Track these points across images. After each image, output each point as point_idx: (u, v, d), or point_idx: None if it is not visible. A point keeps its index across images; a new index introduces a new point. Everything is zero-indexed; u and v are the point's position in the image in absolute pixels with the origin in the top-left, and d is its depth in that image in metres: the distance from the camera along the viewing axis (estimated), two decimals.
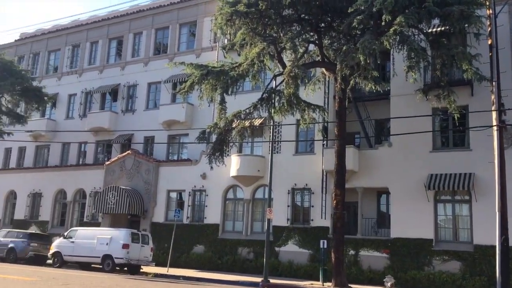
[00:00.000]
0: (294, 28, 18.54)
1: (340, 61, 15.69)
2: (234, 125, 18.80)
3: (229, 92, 18.83)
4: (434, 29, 18.21)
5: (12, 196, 33.53)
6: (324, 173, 22.71)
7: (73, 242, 22.07)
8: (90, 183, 29.67)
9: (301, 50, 18.70)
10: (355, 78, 17.66)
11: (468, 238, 19.99)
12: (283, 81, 18.03)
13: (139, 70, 31.37)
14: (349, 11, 15.46)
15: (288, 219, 23.39)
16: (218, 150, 19.10)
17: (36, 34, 37.65)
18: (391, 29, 14.63)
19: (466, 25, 15.30)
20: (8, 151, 35.74)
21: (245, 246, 23.99)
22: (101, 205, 27.13)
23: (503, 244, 14.42)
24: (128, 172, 28.01)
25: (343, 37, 18.23)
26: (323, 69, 19.79)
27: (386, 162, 21.62)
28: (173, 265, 23.01)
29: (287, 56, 18.83)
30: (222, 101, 18.93)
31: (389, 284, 17.12)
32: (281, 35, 18.21)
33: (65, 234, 23.03)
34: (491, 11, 16.03)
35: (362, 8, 15.21)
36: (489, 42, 16.02)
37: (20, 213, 32.30)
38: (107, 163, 29.05)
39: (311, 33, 18.73)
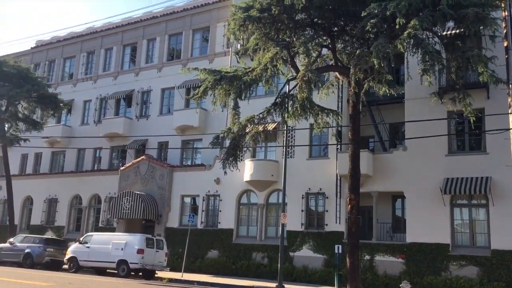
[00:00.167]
0: (307, 32, 18.52)
1: (353, 65, 15.62)
2: (247, 130, 18.79)
3: (243, 97, 18.85)
4: (449, 32, 18.07)
5: (28, 202, 33.93)
6: (338, 178, 22.58)
7: (88, 247, 22.22)
8: (105, 189, 29.90)
9: (314, 55, 18.67)
10: (369, 82, 17.60)
11: (485, 243, 19.70)
12: (296, 85, 18.00)
13: (153, 76, 31.62)
14: (362, 15, 15.38)
15: (302, 224, 23.29)
16: (232, 155, 19.10)
17: (51, 41, 38.20)
18: (405, 33, 14.53)
19: (481, 27, 15.12)
20: (24, 157, 36.23)
21: (259, 251, 23.93)
22: (116, 210, 27.31)
23: None
24: (142, 177, 28.17)
25: (356, 41, 18.17)
26: (337, 73, 19.72)
27: (401, 166, 21.43)
28: (188, 270, 23.03)
29: (300, 61, 18.80)
30: (236, 106, 18.96)
31: None
32: (294, 39, 18.21)
33: (81, 239, 23.21)
34: (506, 13, 15.86)
35: (376, 11, 15.13)
36: (505, 44, 15.86)
37: (37, 218, 32.67)
38: (121, 168, 29.26)
39: (324, 37, 18.69)
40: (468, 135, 21.10)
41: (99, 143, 31.82)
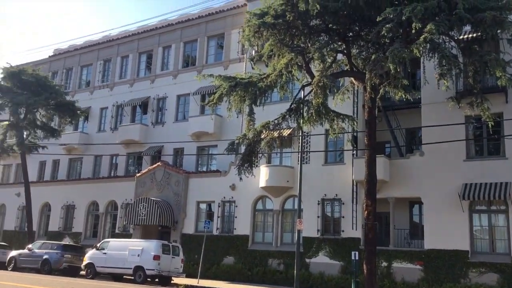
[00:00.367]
0: (322, 38, 18.48)
1: (369, 70, 15.54)
2: (262, 136, 18.81)
3: (258, 103, 18.89)
4: (466, 36, 17.89)
5: (46, 208, 34.33)
6: (355, 183, 22.42)
7: (105, 253, 22.38)
8: (122, 195, 30.12)
9: (329, 60, 18.61)
10: (384, 86, 17.51)
11: (505, 250, 19.35)
12: (311, 91, 17.95)
13: (168, 83, 31.86)
14: (377, 20, 15.32)
15: (318, 230, 23.16)
16: (247, 161, 19.12)
17: (69, 50, 38.78)
18: (421, 37, 14.42)
19: (499, 31, 14.96)
20: (42, 164, 36.73)
21: (275, 257, 23.84)
22: (132, 217, 27.48)
23: None
24: (158, 183, 28.31)
25: (371, 46, 18.07)
26: (352, 79, 19.64)
27: (418, 171, 21.20)
28: (204, 276, 23.04)
29: (315, 66, 18.76)
30: (251, 112, 18.97)
31: None
32: (309, 45, 18.19)
33: (98, 245, 23.39)
34: None
35: (391, 16, 15.05)
36: None
37: (54, 224, 33.02)
38: (137, 175, 29.46)
39: (339, 43, 18.63)
40: (486, 140, 20.81)
41: (115, 150, 32.11)
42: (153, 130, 31.65)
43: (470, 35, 17.61)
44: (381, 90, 17.29)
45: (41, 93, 30.32)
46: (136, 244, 22.27)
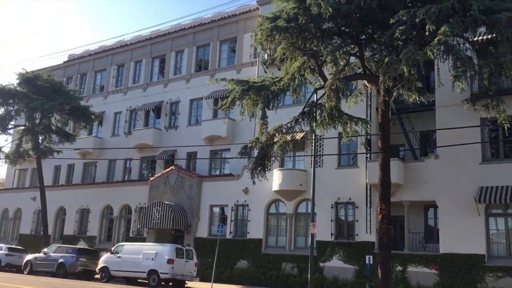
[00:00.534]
0: (334, 41, 18.41)
1: (382, 73, 15.43)
2: (275, 140, 18.77)
3: (270, 107, 18.84)
4: (481, 37, 17.70)
5: (61, 212, 34.66)
6: (368, 187, 22.27)
7: (119, 257, 22.51)
8: (135, 199, 30.28)
9: (342, 63, 18.53)
10: (398, 89, 17.35)
11: None
12: (324, 94, 17.90)
13: (181, 87, 32.02)
14: (390, 22, 15.21)
15: (332, 234, 23.03)
16: (260, 165, 19.08)
17: (83, 55, 39.21)
18: (435, 39, 14.28)
19: None
20: (57, 169, 37.13)
21: (288, 261, 23.76)
22: (146, 221, 27.60)
23: None
24: (171, 187, 28.42)
25: (384, 49, 17.95)
26: (365, 81, 19.52)
27: (433, 174, 20.99)
28: (217, 280, 23.04)
29: (328, 69, 18.69)
30: (264, 116, 18.95)
31: None
32: (322, 48, 18.11)
33: (112, 249, 23.54)
34: None
35: (404, 18, 14.93)
36: None
37: (69, 228, 33.32)
38: (151, 179, 29.60)
39: (352, 46, 18.55)
40: (502, 143, 20.52)
41: (129, 154, 32.35)
42: (166, 134, 31.82)
43: (485, 37, 17.41)
44: (394, 93, 17.13)
45: (56, 98, 30.67)
46: (150, 248, 22.37)
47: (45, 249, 26.13)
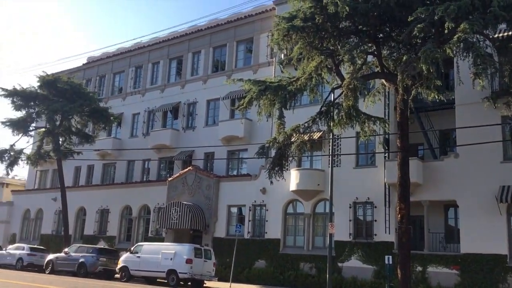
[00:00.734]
0: (351, 40, 18.31)
1: (401, 71, 15.30)
2: (293, 139, 18.75)
3: (288, 107, 18.82)
4: (501, 34, 17.42)
5: (82, 213, 35.14)
6: (387, 186, 22.09)
7: (139, 257, 22.73)
8: (154, 199, 30.54)
9: (359, 62, 18.41)
10: (417, 88, 17.19)
11: None
12: (341, 93, 17.82)
13: (198, 88, 32.19)
14: (409, 20, 15.07)
15: (350, 234, 22.90)
16: (278, 165, 19.08)
17: (101, 57, 39.70)
18: (455, 37, 14.10)
19: None
20: (78, 170, 37.66)
21: (307, 261, 23.70)
22: (165, 221, 27.81)
23: None
24: (189, 188, 28.59)
25: (403, 47, 17.79)
26: (383, 80, 19.37)
27: (453, 174, 20.71)
28: (235, 280, 23.08)
29: (345, 69, 18.61)
30: (281, 116, 18.95)
31: None
32: (339, 47, 18.03)
33: (132, 249, 23.78)
34: None
35: (423, 16, 14.77)
36: None
37: (90, 228, 33.77)
38: (169, 179, 29.82)
39: (370, 44, 18.40)
40: None
41: (147, 155, 32.65)
42: (184, 135, 32.02)
43: (506, 33, 17.14)
44: (413, 91, 16.98)
45: (75, 100, 31.09)
46: (168, 247, 22.54)
47: (66, 249, 26.51)
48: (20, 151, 32.38)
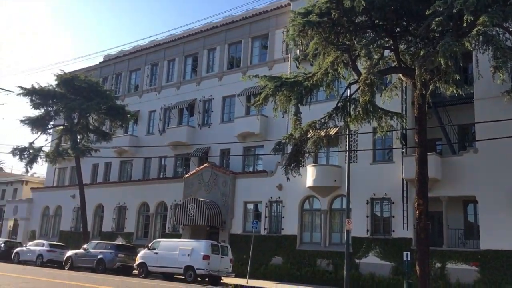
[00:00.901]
0: (368, 34, 18.11)
1: (419, 66, 15.08)
2: (309, 135, 18.67)
3: (304, 103, 18.74)
4: None
5: (100, 209, 35.55)
6: (405, 182, 21.89)
7: (156, 253, 22.90)
8: (171, 196, 30.75)
9: (376, 57, 18.21)
10: (434, 82, 16.94)
11: None
12: (358, 89, 17.67)
13: (214, 85, 32.25)
14: (426, 14, 14.85)
15: (367, 230, 22.76)
16: (294, 161, 19.00)
17: (118, 55, 39.99)
18: (474, 30, 13.87)
19: None
20: (95, 167, 38.08)
21: (324, 257, 23.63)
22: (181, 217, 27.97)
23: None
24: (206, 184, 28.70)
25: (420, 41, 17.53)
26: (400, 75, 19.15)
27: (472, 169, 20.44)
28: (252, 276, 23.11)
29: (362, 64, 18.43)
30: (297, 112, 18.85)
31: None
32: (355, 42, 17.88)
33: (149, 245, 23.96)
34: None
35: (441, 9, 14.52)
36: None
37: (107, 225, 34.15)
38: (186, 176, 29.97)
39: (386, 39, 18.19)
40: None
41: (164, 152, 32.85)
42: (200, 132, 32.13)
43: None
44: (431, 86, 16.74)
45: (93, 98, 31.39)
46: (186, 244, 22.66)
47: (85, 245, 26.82)
48: (39, 149, 32.80)
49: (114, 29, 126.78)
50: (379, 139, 23.22)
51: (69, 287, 13.93)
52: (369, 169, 23.33)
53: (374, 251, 22.28)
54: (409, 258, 18.30)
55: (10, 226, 42.65)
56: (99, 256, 24.90)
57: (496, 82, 15.32)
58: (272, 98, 18.95)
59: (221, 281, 22.00)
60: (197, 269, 21.02)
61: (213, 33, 33.44)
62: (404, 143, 21.89)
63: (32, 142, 32.77)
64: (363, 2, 15.47)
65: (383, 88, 20.13)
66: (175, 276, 22.57)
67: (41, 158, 32.91)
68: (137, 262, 23.62)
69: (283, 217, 25.70)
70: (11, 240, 35.78)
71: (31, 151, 32.34)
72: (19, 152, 31.96)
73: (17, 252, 30.07)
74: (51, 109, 32.86)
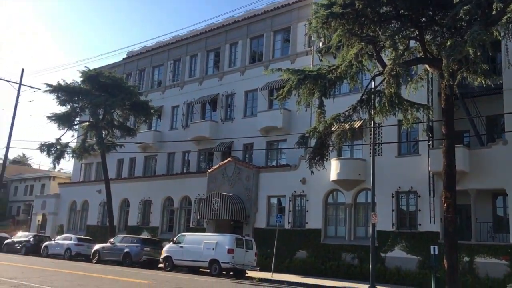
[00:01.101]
0: (393, 25, 17.78)
1: (446, 56, 14.73)
2: (333, 129, 18.48)
3: (327, 95, 18.56)
4: None
5: (125, 204, 36.04)
6: (431, 175, 21.53)
7: (181, 247, 23.11)
8: (194, 190, 30.95)
9: (401, 48, 17.88)
10: (462, 73, 16.56)
11: None
12: (383, 81, 17.40)
13: (236, 80, 32.24)
14: (454, 2, 14.50)
15: (393, 224, 22.50)
16: (318, 154, 18.85)
17: (141, 52, 40.34)
18: (503, 18, 13.49)
19: None
20: (120, 162, 38.58)
21: (348, 251, 23.48)
22: (205, 211, 28.15)
23: None
24: (229, 179, 28.78)
25: (447, 31, 17.14)
26: (426, 66, 18.78)
27: (502, 161, 19.97)
28: (277, 270, 23.12)
29: (387, 55, 18.13)
30: (321, 105, 18.68)
31: None
32: (380, 33, 17.57)
33: (175, 239, 24.19)
34: None
35: None
36: None
37: (133, 219, 34.61)
38: (209, 170, 30.11)
39: (412, 29, 17.82)
40: None
41: (187, 147, 33.07)
42: (223, 126, 32.21)
43: None
44: (458, 76, 16.36)
45: (117, 94, 31.74)
46: (210, 238, 22.80)
47: (112, 239, 27.25)
48: (66, 145, 33.36)
49: (137, 25, 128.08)
50: (404, 132, 22.88)
51: (98, 280, 14.17)
52: (394, 162, 23.03)
53: (400, 245, 22.03)
54: (436, 252, 18.03)
55: (38, 220, 43.65)
56: (125, 250, 25.27)
57: None
58: (295, 92, 18.79)
59: (246, 275, 22.07)
60: (222, 262, 21.14)
61: (235, 27, 33.41)
62: (430, 136, 21.52)
63: (59, 138, 33.38)
64: None
65: (408, 79, 19.78)
66: (200, 269, 22.75)
67: (67, 154, 33.49)
68: (162, 256, 23.88)
69: (307, 211, 25.60)
70: (40, 234, 36.59)
71: (58, 147, 32.90)
72: (46, 148, 32.57)
73: (46, 246, 30.75)
74: (77, 105, 33.35)
